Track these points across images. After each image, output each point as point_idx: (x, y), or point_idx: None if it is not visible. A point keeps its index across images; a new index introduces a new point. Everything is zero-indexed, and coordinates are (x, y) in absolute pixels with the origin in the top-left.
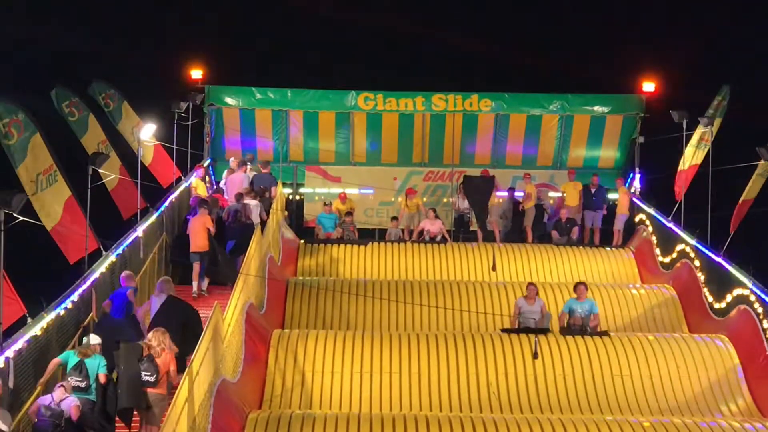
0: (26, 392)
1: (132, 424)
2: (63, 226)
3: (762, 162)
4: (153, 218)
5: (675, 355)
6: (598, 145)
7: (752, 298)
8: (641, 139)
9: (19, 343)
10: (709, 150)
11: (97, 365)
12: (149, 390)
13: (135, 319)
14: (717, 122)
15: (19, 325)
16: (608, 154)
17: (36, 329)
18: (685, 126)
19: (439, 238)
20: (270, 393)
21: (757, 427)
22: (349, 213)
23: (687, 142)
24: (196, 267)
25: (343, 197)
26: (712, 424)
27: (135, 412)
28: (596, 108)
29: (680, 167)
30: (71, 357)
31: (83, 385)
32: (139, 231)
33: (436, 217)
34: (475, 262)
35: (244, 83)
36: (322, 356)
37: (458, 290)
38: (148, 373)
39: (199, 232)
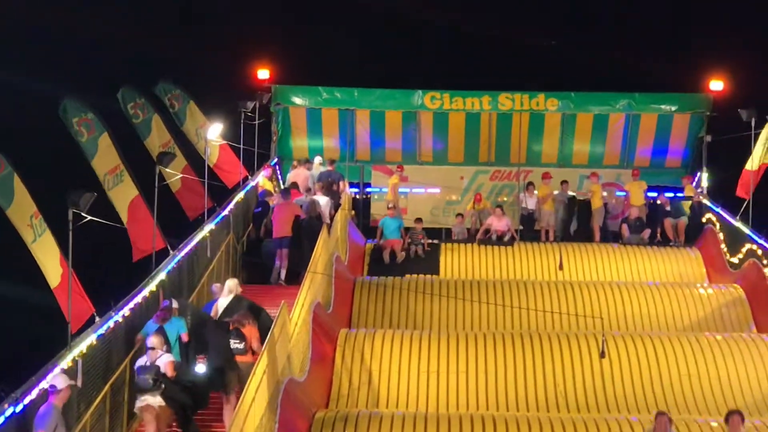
0: (95, 391)
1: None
2: (128, 226)
3: None
4: (220, 218)
5: (743, 355)
6: (665, 144)
7: None
8: (709, 138)
9: (87, 341)
10: None
11: (177, 327)
12: (239, 358)
13: None
14: None
15: (88, 324)
16: (675, 153)
17: (103, 328)
18: (753, 125)
19: (507, 237)
20: (337, 392)
21: None
22: (419, 219)
23: (756, 140)
24: (280, 252)
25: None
26: None
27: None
28: (663, 106)
29: (748, 166)
30: (150, 325)
31: (164, 347)
32: (206, 230)
33: (503, 213)
34: (542, 261)
35: (311, 83)
36: (389, 355)
37: (525, 289)
38: (237, 341)
39: (287, 219)
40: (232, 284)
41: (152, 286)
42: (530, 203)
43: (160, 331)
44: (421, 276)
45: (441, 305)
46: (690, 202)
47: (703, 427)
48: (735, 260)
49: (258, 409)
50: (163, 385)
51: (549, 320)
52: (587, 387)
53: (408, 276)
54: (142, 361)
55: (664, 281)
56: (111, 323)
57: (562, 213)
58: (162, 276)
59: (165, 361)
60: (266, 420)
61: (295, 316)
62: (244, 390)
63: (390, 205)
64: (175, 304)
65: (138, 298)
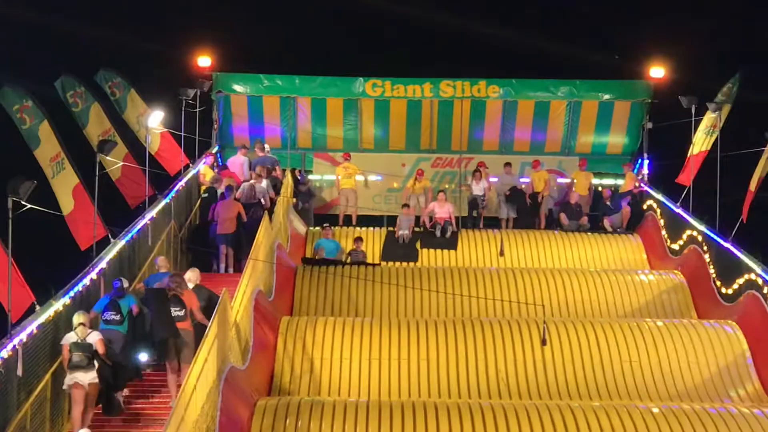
0: (35, 379)
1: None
2: (73, 214)
3: None
4: (161, 205)
5: (684, 341)
6: (607, 131)
7: (761, 282)
8: (650, 125)
9: (28, 330)
10: (717, 136)
11: (129, 302)
12: (179, 324)
13: None
14: (726, 108)
15: (28, 313)
16: (617, 140)
17: (44, 317)
18: (693, 111)
19: (449, 233)
20: (279, 380)
21: (766, 413)
22: (359, 239)
23: (696, 128)
24: (223, 249)
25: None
26: (721, 410)
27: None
28: (604, 94)
29: (689, 153)
30: (102, 300)
31: (117, 318)
32: (147, 218)
33: (446, 200)
34: (483, 248)
35: (252, 70)
36: (330, 343)
37: (466, 276)
38: (177, 308)
39: (231, 216)
40: (192, 275)
41: (93, 275)
42: (476, 189)
43: (113, 304)
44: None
45: (383, 293)
46: (630, 196)
47: (644, 414)
48: (676, 246)
49: (200, 397)
50: (96, 363)
51: (491, 307)
52: (528, 374)
53: (350, 262)
54: (72, 338)
55: (605, 268)
56: (51, 312)
57: (507, 200)
58: (103, 264)
59: (95, 339)
60: (208, 408)
61: (236, 303)
62: (185, 379)
63: (325, 226)
64: (125, 283)
65: (79, 287)
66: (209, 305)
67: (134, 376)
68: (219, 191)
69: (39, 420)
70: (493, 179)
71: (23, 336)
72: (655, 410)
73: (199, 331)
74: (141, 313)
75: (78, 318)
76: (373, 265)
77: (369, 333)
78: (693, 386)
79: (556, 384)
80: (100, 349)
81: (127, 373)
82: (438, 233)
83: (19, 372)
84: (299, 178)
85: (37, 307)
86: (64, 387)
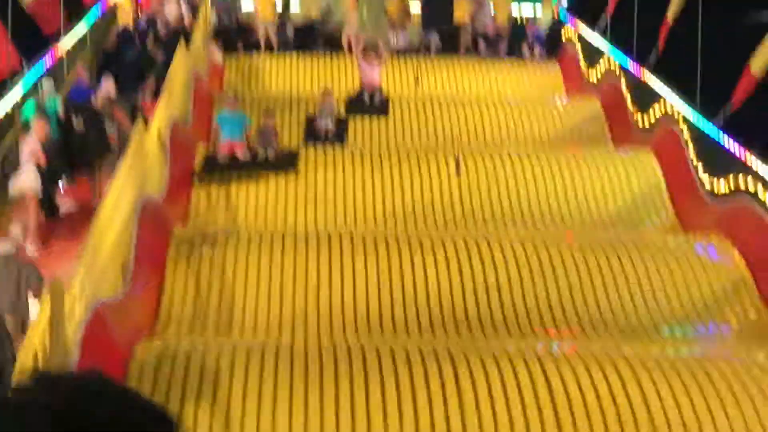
0: None
1: None
2: None
3: None
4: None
5: (600, 169)
6: None
7: (676, 112)
8: None
9: None
10: None
11: (54, 105)
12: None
13: None
14: None
15: None
16: None
17: None
18: None
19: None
20: (196, 209)
21: (678, 241)
22: (269, 113)
23: None
24: None
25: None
26: (636, 238)
27: None
28: None
29: None
30: (31, 105)
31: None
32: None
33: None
34: (399, 76)
35: None
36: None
37: None
38: (110, 123)
39: None
40: (109, 87)
41: (8, 109)
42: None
43: (40, 110)
44: (280, 89)
45: (300, 119)
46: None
47: (559, 241)
48: (593, 75)
49: (114, 228)
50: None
51: (407, 138)
52: (445, 204)
53: (267, 90)
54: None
55: (523, 95)
56: None
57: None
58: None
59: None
60: (123, 237)
61: (152, 132)
62: (99, 208)
63: (229, 94)
64: (48, 84)
65: None
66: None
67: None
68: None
69: None
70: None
71: None
72: (570, 238)
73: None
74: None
75: None
76: (293, 155)
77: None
78: (608, 214)
79: (473, 214)
80: (39, 161)
81: (59, 177)
82: (367, 100)
83: None
84: None
85: None
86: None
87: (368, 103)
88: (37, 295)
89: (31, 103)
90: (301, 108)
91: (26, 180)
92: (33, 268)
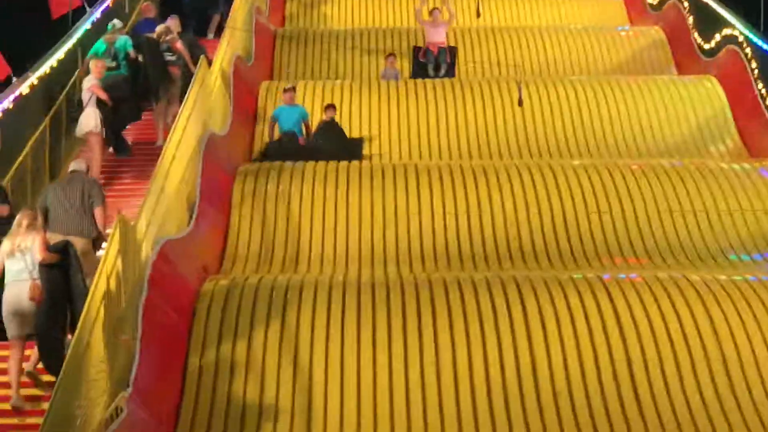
0: (17, 152)
1: None
2: None
3: None
4: None
5: (663, 97)
6: None
7: (740, 38)
8: None
9: (3, 105)
10: None
11: (124, 43)
12: (171, 68)
13: None
14: None
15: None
16: None
17: (23, 88)
18: None
19: (443, 70)
20: (259, 144)
21: (744, 167)
22: (331, 106)
23: None
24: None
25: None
26: (701, 166)
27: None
28: None
29: None
30: (100, 44)
31: (113, 65)
32: None
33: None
34: (461, 7)
35: None
36: (311, 103)
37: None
38: (170, 54)
39: None
40: (172, 23)
41: (70, 45)
42: None
43: (109, 50)
44: (344, 27)
45: (363, 56)
46: None
47: (623, 169)
48: (655, 1)
49: (180, 164)
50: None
51: (470, 69)
52: (509, 134)
53: (330, 27)
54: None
55: (585, 24)
56: (27, 85)
57: None
58: (79, 34)
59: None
60: (189, 175)
61: (215, 69)
62: (164, 147)
63: (287, 87)
64: (117, 24)
65: (53, 60)
66: (191, 50)
67: (135, 118)
68: None
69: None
70: None
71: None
72: (634, 167)
73: (186, 74)
74: (136, 57)
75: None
76: (355, 144)
77: (349, 94)
78: (673, 142)
79: (536, 143)
80: (99, 95)
81: (130, 114)
82: (431, 71)
83: None
84: None
85: (14, 80)
86: (78, 135)
87: (433, 75)
88: (98, 204)
89: (99, 43)
90: (363, 45)
91: (88, 120)
92: (95, 182)
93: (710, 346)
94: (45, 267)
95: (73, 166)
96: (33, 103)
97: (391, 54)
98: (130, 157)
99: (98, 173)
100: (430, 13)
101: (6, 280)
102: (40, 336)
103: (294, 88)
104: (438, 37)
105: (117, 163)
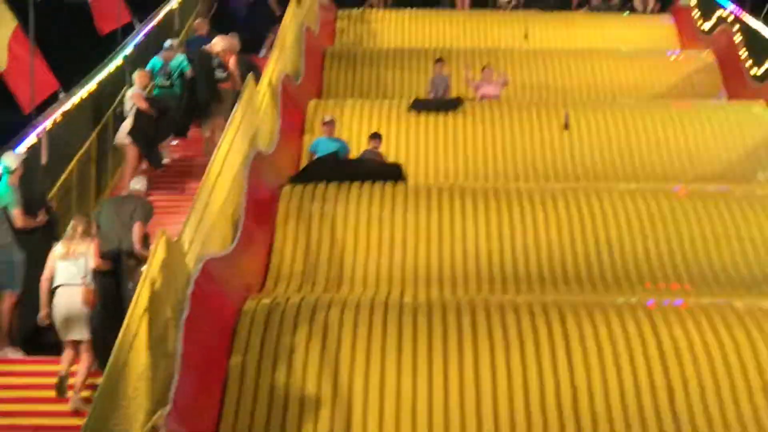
0: (63, 166)
1: None
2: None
3: None
4: None
5: (712, 121)
6: None
7: None
8: None
9: (51, 118)
10: None
11: (179, 63)
12: (221, 85)
13: None
14: None
15: (50, 100)
16: None
17: (68, 104)
18: None
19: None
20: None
21: None
22: (376, 135)
23: None
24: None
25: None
26: (748, 192)
27: None
28: None
29: None
30: (156, 61)
31: (167, 83)
32: (173, 2)
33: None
34: (506, 31)
35: None
36: (358, 124)
37: (495, 59)
38: (221, 70)
39: None
40: (230, 42)
41: (118, 60)
42: None
43: (164, 68)
44: (392, 46)
45: (412, 75)
46: None
47: (670, 195)
48: (707, 27)
49: (224, 181)
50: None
51: (518, 91)
52: (557, 158)
53: (380, 46)
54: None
55: (635, 48)
56: (76, 99)
57: None
58: (129, 50)
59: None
60: (233, 192)
61: (262, 87)
62: (210, 163)
63: (326, 120)
64: (174, 42)
65: (104, 74)
66: (243, 69)
67: (179, 133)
68: None
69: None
70: None
71: (47, 123)
72: (680, 191)
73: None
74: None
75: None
76: (398, 168)
77: (397, 114)
78: (720, 167)
79: (583, 167)
80: (139, 104)
81: (169, 128)
82: None
83: (43, 159)
84: None
85: (62, 94)
86: (116, 143)
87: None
88: (137, 220)
89: (154, 59)
90: (413, 65)
91: (123, 130)
92: (146, 202)
93: (752, 375)
94: (98, 273)
95: (132, 183)
96: (80, 118)
97: (440, 59)
98: (162, 171)
99: (127, 184)
100: (482, 71)
101: (56, 282)
102: (97, 340)
103: (333, 121)
104: (492, 91)
105: (158, 179)
